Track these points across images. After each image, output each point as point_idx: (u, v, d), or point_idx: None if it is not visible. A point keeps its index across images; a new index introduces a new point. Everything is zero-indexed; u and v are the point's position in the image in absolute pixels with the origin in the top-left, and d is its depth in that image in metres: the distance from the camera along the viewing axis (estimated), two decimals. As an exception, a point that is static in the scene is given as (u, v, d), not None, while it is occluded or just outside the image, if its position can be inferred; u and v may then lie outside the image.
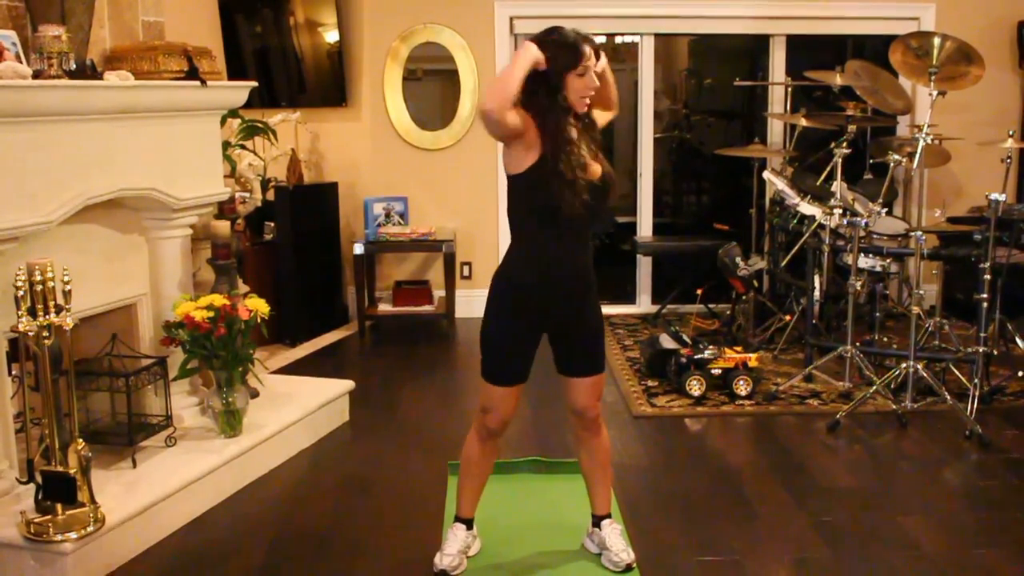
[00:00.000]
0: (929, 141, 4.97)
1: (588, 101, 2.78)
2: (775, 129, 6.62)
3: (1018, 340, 4.94)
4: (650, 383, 4.99)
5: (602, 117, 2.95)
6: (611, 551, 3.07)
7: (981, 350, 4.38)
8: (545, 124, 2.71)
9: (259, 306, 3.82)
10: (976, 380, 4.37)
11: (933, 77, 4.97)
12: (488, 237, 6.42)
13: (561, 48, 2.70)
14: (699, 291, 5.74)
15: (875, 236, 4.98)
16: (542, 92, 2.71)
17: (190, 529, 3.40)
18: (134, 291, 3.81)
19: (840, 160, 5.09)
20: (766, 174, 5.57)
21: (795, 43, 6.50)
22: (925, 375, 4.43)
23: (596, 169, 2.80)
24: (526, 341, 2.91)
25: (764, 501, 3.61)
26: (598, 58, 2.77)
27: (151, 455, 3.61)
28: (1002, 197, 4.18)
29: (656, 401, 4.72)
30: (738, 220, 6.44)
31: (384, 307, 6.31)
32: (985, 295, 4.29)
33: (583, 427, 3.07)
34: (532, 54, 2.67)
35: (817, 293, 5.16)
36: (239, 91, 4.15)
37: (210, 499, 3.56)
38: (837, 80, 5.75)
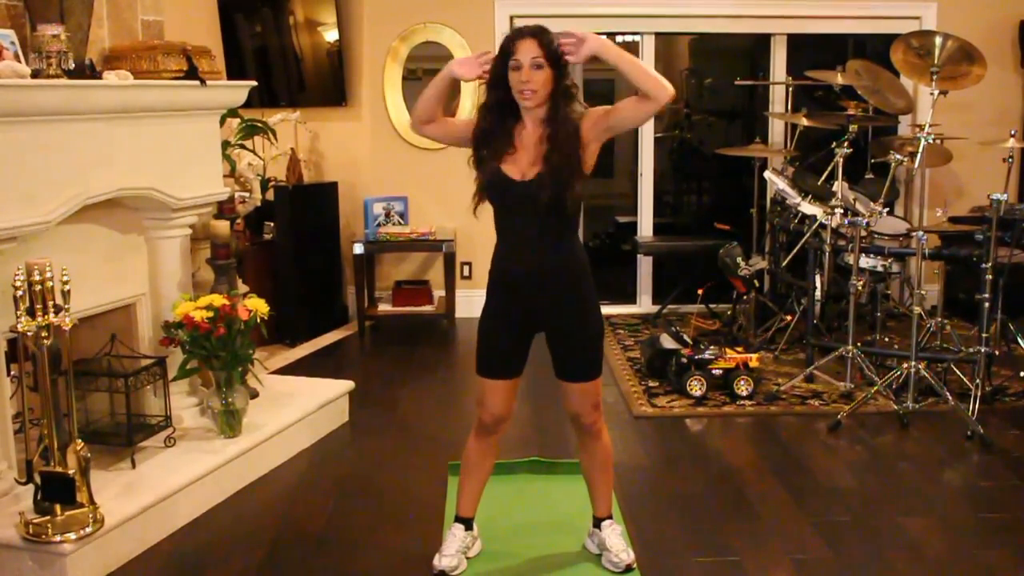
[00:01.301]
0: (930, 141, 4.96)
1: (528, 95, 2.73)
2: (776, 129, 6.61)
3: (1020, 340, 4.93)
4: (651, 383, 4.98)
5: (631, 109, 2.75)
6: (611, 552, 3.07)
7: (983, 350, 4.37)
8: (481, 121, 2.86)
9: (258, 306, 3.81)
10: (978, 380, 4.36)
11: (934, 76, 4.96)
12: (488, 237, 6.32)
13: (501, 46, 2.78)
14: (700, 291, 5.73)
15: (876, 236, 4.97)
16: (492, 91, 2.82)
17: (190, 530, 3.40)
18: (133, 291, 3.80)
19: (841, 160, 5.08)
20: (767, 174, 5.56)
21: (796, 42, 6.50)
22: (926, 375, 4.42)
23: (530, 172, 2.78)
24: (504, 335, 2.93)
25: (765, 501, 3.60)
26: (541, 49, 2.71)
27: (150, 455, 3.60)
28: (1004, 197, 4.17)
29: (657, 401, 4.71)
30: (739, 220, 6.43)
31: (384, 307, 6.31)
32: (987, 295, 4.28)
33: (580, 431, 3.07)
34: (450, 65, 2.85)
35: (818, 293, 5.15)
36: (238, 90, 4.14)
37: (210, 499, 3.55)
38: (838, 79, 5.74)
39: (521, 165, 2.80)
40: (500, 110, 2.81)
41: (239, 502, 3.64)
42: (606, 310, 6.65)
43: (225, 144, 4.81)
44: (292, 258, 5.90)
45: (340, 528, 3.42)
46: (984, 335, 4.36)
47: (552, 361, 2.98)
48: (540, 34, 2.73)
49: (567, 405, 3.01)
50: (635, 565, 3.05)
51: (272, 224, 6.00)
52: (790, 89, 6.26)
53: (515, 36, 2.76)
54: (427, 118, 2.90)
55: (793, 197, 5.13)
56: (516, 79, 2.73)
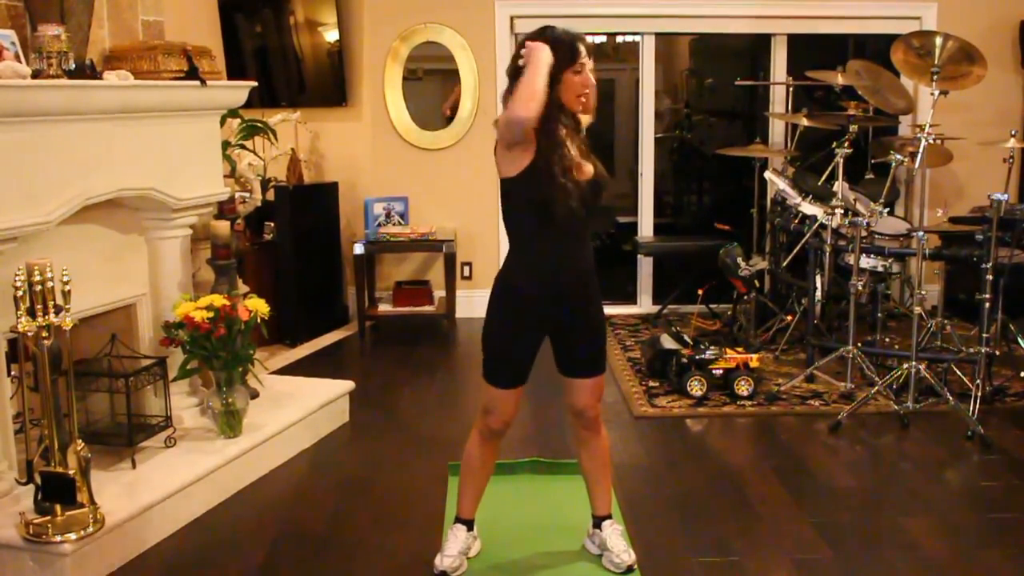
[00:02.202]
0: (931, 141, 4.96)
1: (584, 100, 2.78)
2: (776, 129, 6.61)
3: (1020, 340, 4.93)
4: (651, 383, 4.98)
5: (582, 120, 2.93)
6: (612, 552, 3.07)
7: (983, 350, 4.37)
8: (540, 124, 2.69)
9: (259, 306, 3.81)
10: (978, 381, 4.36)
11: (935, 77, 4.96)
12: (488, 237, 6.41)
13: (559, 45, 2.70)
14: (700, 291, 5.73)
15: (877, 236, 4.97)
16: None
17: (190, 530, 3.40)
18: (134, 291, 3.80)
19: (842, 160, 5.09)
20: (767, 174, 5.56)
21: (796, 42, 6.50)
22: (927, 376, 4.41)
23: (588, 169, 2.80)
24: (528, 344, 2.91)
25: (765, 502, 3.60)
26: (591, 57, 2.78)
27: (151, 456, 3.60)
28: (1004, 197, 4.17)
29: (657, 401, 4.71)
30: (739, 220, 6.43)
31: (384, 307, 6.31)
32: (987, 295, 4.28)
33: (583, 427, 3.06)
34: (547, 56, 2.66)
35: (818, 293, 5.15)
36: (239, 91, 4.14)
37: (210, 500, 3.55)
38: (839, 80, 5.74)
39: (580, 167, 2.80)
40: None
41: (239, 502, 3.64)
42: (607, 310, 6.68)
43: (225, 144, 4.81)
44: (292, 258, 5.90)
45: (340, 528, 3.42)
46: (984, 335, 4.36)
47: (559, 359, 2.98)
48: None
49: (574, 401, 3.01)
50: (636, 565, 3.05)
51: (272, 224, 6.00)
52: (790, 89, 6.26)
53: (578, 39, 2.74)
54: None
55: (793, 197, 5.13)
56: (579, 83, 2.74)
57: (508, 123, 2.64)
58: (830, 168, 5.42)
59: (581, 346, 2.95)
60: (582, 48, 2.74)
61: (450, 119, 6.40)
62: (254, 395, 4.14)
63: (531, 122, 2.62)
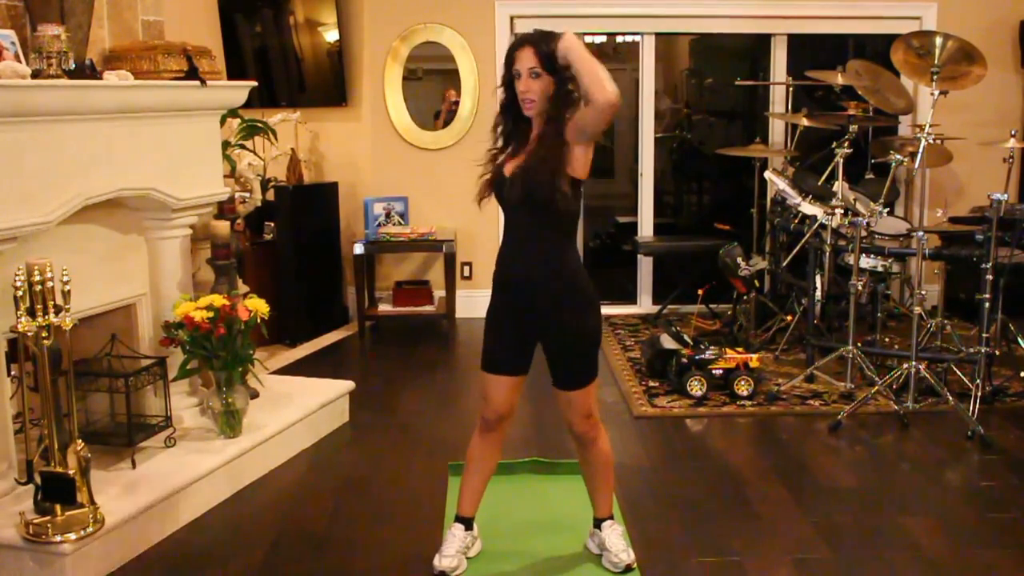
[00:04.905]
0: (931, 141, 4.96)
1: (528, 105, 2.77)
2: (776, 129, 6.61)
3: (1020, 340, 4.93)
4: (651, 383, 4.98)
5: (582, 112, 2.71)
6: (611, 552, 3.07)
7: (983, 350, 4.37)
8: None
9: (259, 306, 3.81)
10: (978, 380, 4.36)
11: (935, 77, 4.96)
12: (489, 237, 6.40)
13: (506, 53, 2.83)
14: (700, 291, 5.73)
15: (877, 236, 4.97)
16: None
17: (190, 530, 3.40)
18: (133, 291, 3.80)
19: (841, 160, 5.09)
20: (767, 174, 5.56)
21: (796, 43, 6.50)
22: (927, 375, 4.42)
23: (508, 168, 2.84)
24: (504, 332, 2.93)
25: (765, 502, 3.60)
26: (543, 58, 2.74)
27: (150, 456, 3.60)
28: (1004, 197, 4.17)
29: (657, 401, 4.71)
30: (739, 220, 6.43)
31: (384, 307, 6.31)
32: (987, 295, 4.28)
33: (573, 439, 3.07)
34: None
35: (818, 293, 5.15)
36: (239, 91, 4.14)
37: (210, 500, 3.55)
38: (838, 80, 5.74)
39: (516, 163, 2.83)
40: (514, 110, 2.85)
41: (239, 502, 3.64)
42: (607, 310, 6.68)
43: (225, 144, 4.81)
44: (292, 258, 5.90)
45: (340, 528, 3.42)
46: (984, 335, 4.36)
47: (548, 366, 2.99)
48: (537, 42, 2.73)
49: (560, 412, 3.02)
50: (635, 565, 3.05)
51: (272, 224, 6.01)
52: (790, 89, 6.26)
53: (515, 45, 2.78)
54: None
55: (793, 197, 5.13)
56: (517, 88, 2.77)
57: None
58: (830, 168, 5.41)
59: (557, 357, 2.92)
60: (513, 54, 2.77)
61: (444, 124, 6.42)
62: (254, 395, 4.14)
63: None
